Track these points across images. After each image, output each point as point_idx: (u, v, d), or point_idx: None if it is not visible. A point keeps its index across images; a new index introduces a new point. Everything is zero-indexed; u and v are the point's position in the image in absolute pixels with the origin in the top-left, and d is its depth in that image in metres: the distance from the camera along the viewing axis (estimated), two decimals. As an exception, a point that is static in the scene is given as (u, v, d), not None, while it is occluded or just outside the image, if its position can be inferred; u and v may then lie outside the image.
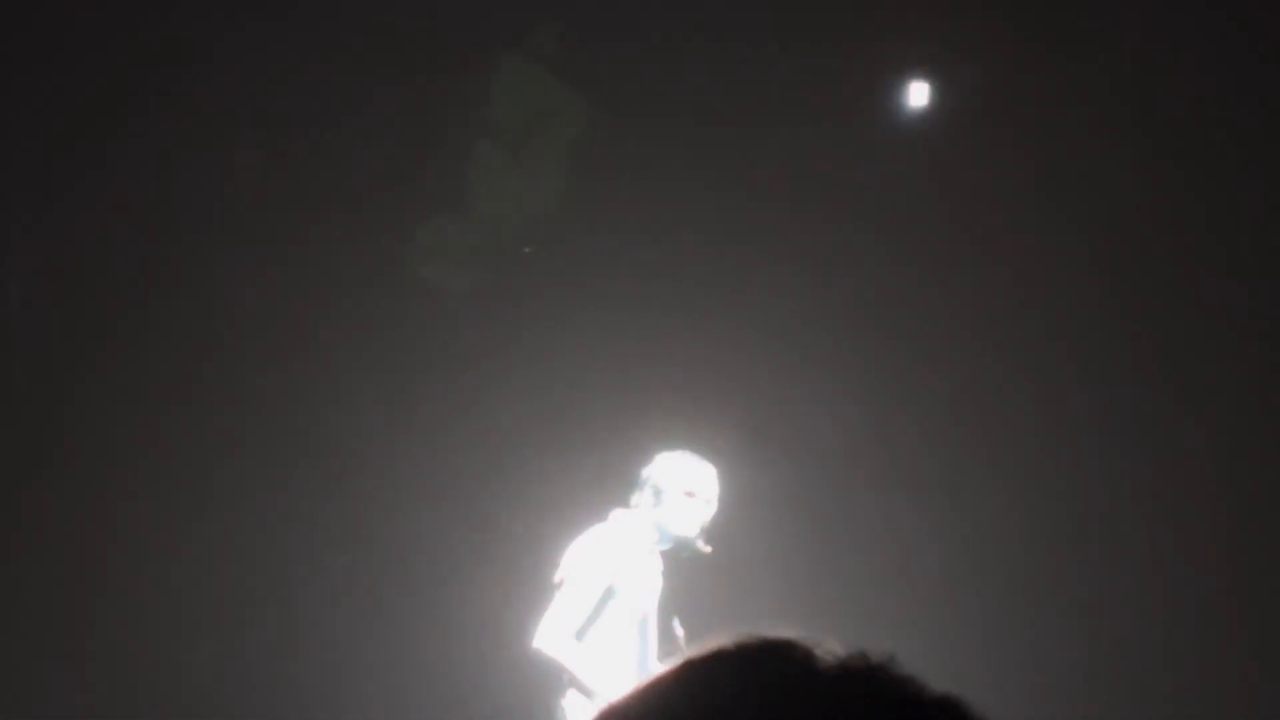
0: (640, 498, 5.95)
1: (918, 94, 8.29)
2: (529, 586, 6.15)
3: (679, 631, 5.83)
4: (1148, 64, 7.91)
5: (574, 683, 5.64)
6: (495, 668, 6.32)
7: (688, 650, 0.93)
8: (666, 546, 5.95)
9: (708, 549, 5.94)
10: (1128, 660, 7.54)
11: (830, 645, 0.91)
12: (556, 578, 5.82)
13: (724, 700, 0.87)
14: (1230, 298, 7.97)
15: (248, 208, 7.68)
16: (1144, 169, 7.91)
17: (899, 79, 8.28)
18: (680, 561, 5.97)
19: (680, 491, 5.89)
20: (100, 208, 7.61)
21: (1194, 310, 7.96)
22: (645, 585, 5.84)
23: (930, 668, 0.93)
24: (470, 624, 7.27)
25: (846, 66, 7.94)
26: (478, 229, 7.85)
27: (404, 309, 7.85)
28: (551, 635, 5.65)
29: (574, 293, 7.71)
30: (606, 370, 7.69)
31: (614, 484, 6.17)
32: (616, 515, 5.96)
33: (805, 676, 0.88)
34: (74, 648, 7.44)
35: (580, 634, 5.70)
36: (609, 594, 5.77)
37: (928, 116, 8.24)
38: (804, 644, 0.91)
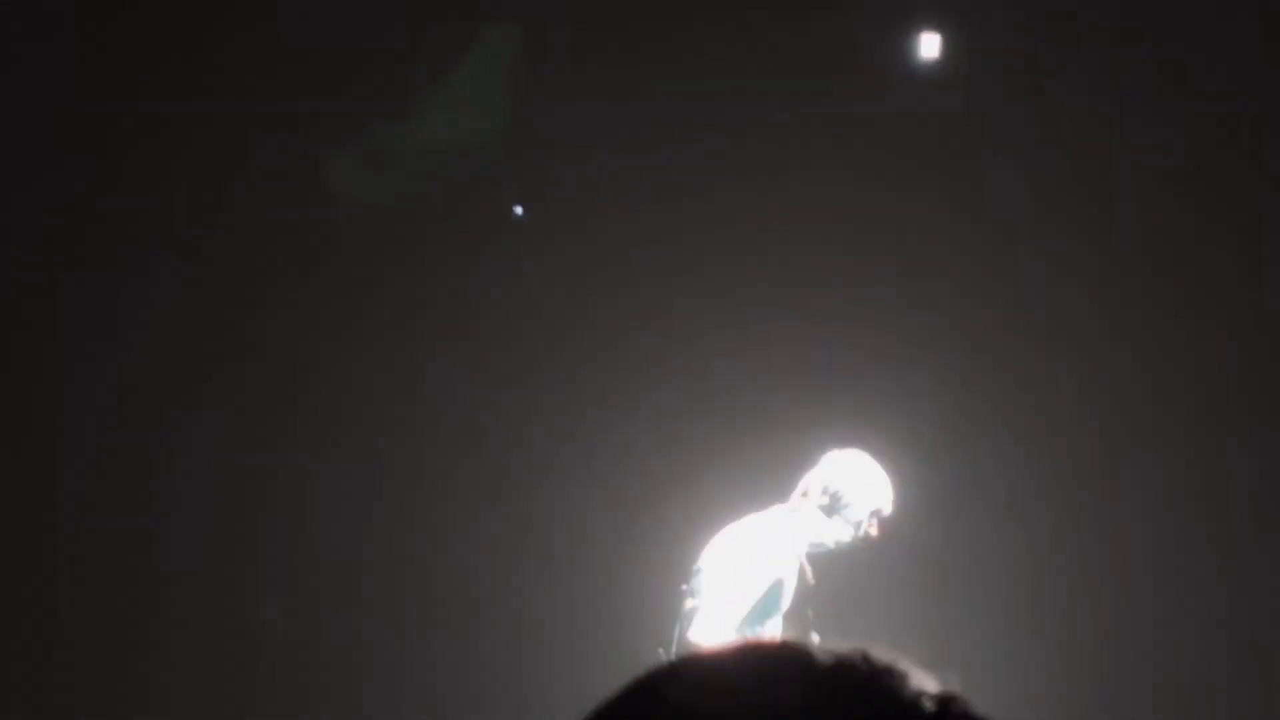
0: (812, 501, 5.72)
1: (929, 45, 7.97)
2: (665, 579, 5.98)
3: (815, 638, 5.60)
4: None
5: None
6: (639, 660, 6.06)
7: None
8: (822, 551, 5.74)
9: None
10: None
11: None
12: (706, 568, 5.61)
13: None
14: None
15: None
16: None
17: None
18: (821, 562, 5.76)
19: (867, 509, 5.70)
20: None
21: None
22: (796, 588, 5.65)
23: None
24: (609, 616, 7.11)
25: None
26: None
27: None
28: (714, 630, 5.43)
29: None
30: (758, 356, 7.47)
31: (753, 475, 5.97)
32: (777, 512, 5.73)
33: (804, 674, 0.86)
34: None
35: (737, 631, 5.50)
36: (771, 594, 5.57)
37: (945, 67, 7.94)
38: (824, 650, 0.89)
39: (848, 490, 5.68)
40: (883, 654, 0.88)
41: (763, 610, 5.56)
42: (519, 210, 6.98)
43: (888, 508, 5.72)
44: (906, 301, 7.53)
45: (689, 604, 5.60)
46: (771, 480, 5.91)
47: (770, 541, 5.61)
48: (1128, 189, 7.62)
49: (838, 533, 5.67)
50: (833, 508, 5.68)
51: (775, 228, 7.53)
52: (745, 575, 5.54)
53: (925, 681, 0.87)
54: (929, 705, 0.86)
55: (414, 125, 7.58)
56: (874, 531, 5.69)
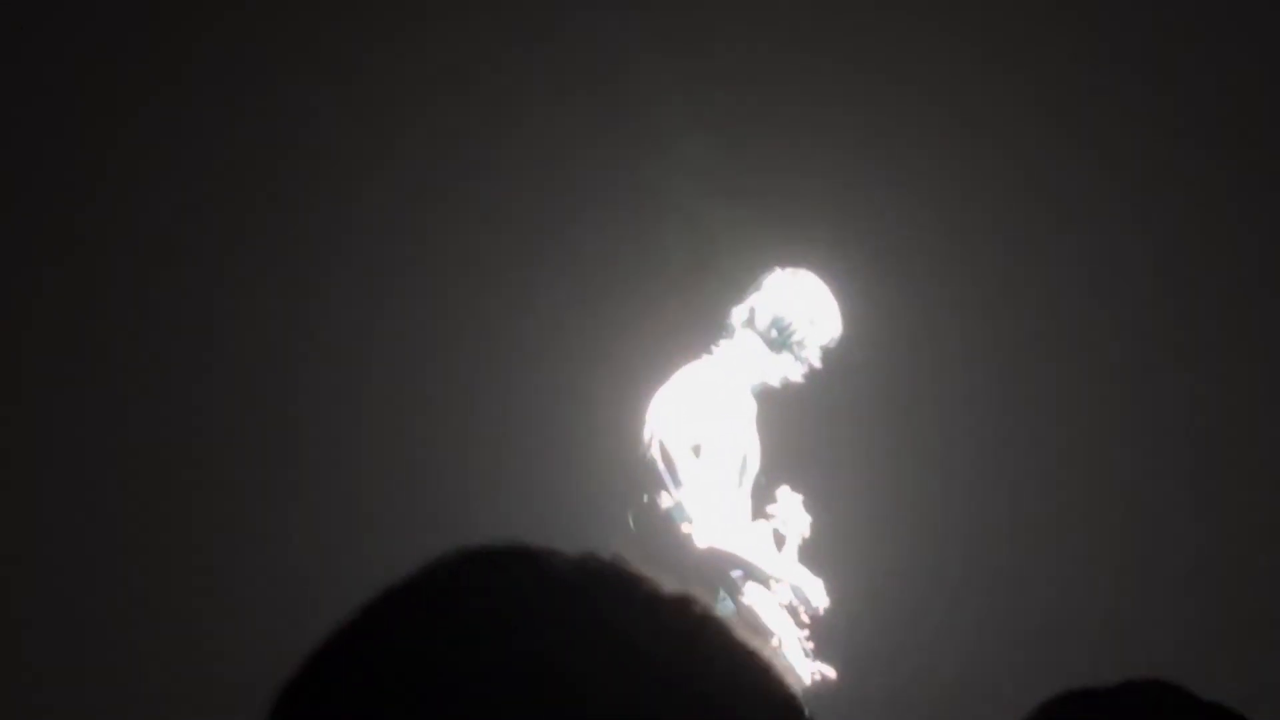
0: (756, 331, 5.16)
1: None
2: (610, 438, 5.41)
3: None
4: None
5: (752, 572, 5.00)
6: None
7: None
8: (766, 389, 5.19)
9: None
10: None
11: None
12: (664, 439, 5.06)
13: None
14: None
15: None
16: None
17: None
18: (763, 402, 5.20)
19: (818, 341, 5.14)
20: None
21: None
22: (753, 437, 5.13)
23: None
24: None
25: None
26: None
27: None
28: (721, 528, 4.97)
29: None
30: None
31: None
32: (722, 352, 5.16)
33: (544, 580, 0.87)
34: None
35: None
36: (745, 459, 5.05)
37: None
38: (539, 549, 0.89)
39: (797, 319, 5.15)
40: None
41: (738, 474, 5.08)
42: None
43: (835, 337, 5.19)
44: (858, 109, 6.89)
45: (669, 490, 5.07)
46: (712, 309, 5.34)
47: (728, 398, 5.08)
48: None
49: (785, 369, 5.14)
50: (780, 340, 5.14)
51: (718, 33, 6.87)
52: (719, 450, 5.04)
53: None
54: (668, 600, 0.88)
55: None
56: (815, 363, 5.18)
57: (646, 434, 5.10)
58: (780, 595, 5.00)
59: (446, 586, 0.88)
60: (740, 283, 5.29)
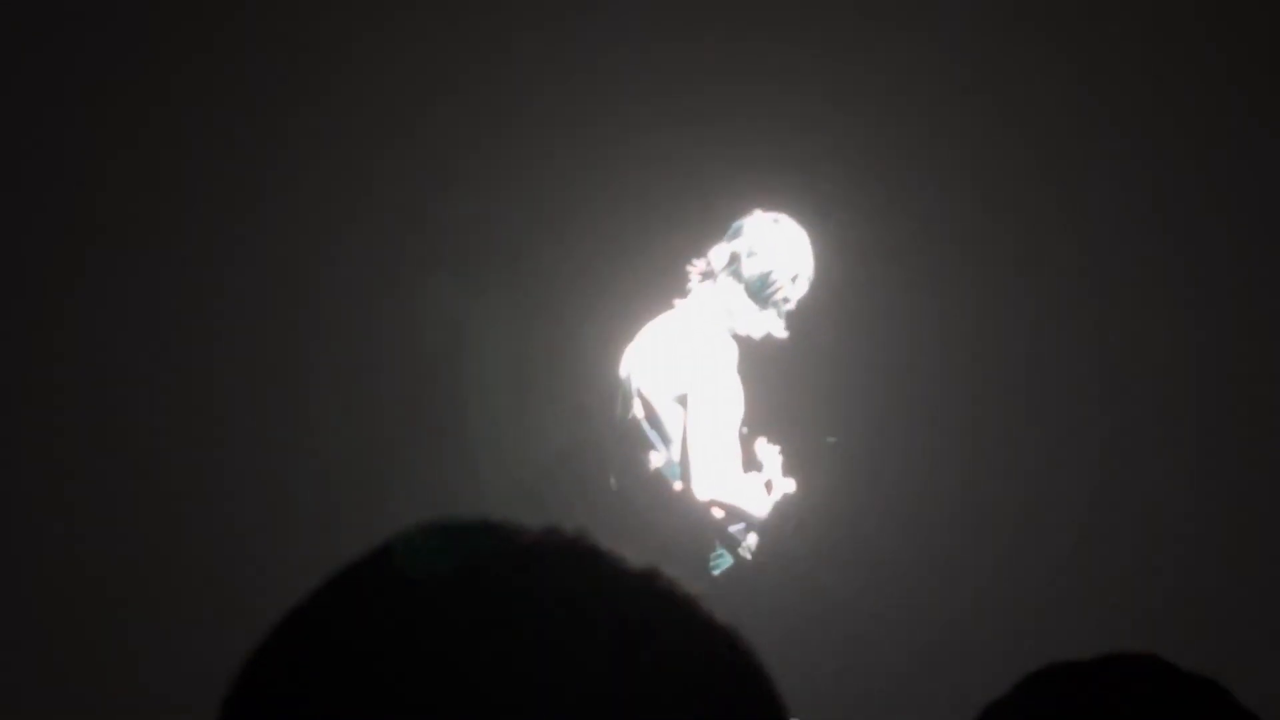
0: (733, 278, 4.92)
1: None
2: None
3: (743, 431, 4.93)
4: None
5: (754, 524, 4.85)
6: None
7: None
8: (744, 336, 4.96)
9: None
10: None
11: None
12: (646, 392, 4.84)
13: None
14: None
15: None
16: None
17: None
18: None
19: (788, 275, 4.90)
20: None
21: None
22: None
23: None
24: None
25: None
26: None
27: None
28: (719, 479, 4.78)
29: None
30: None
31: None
32: (698, 299, 4.94)
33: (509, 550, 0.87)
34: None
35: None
36: (733, 407, 4.84)
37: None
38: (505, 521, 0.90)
39: (779, 269, 4.91)
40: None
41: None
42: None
43: (807, 269, 4.97)
44: (842, 41, 6.63)
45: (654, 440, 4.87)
46: (687, 249, 5.08)
47: (709, 344, 4.86)
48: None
49: (766, 321, 4.91)
50: (761, 290, 4.90)
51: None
52: (706, 400, 4.82)
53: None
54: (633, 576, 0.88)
55: None
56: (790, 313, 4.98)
57: (625, 389, 4.89)
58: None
59: (400, 563, 0.87)
60: (716, 225, 5.07)
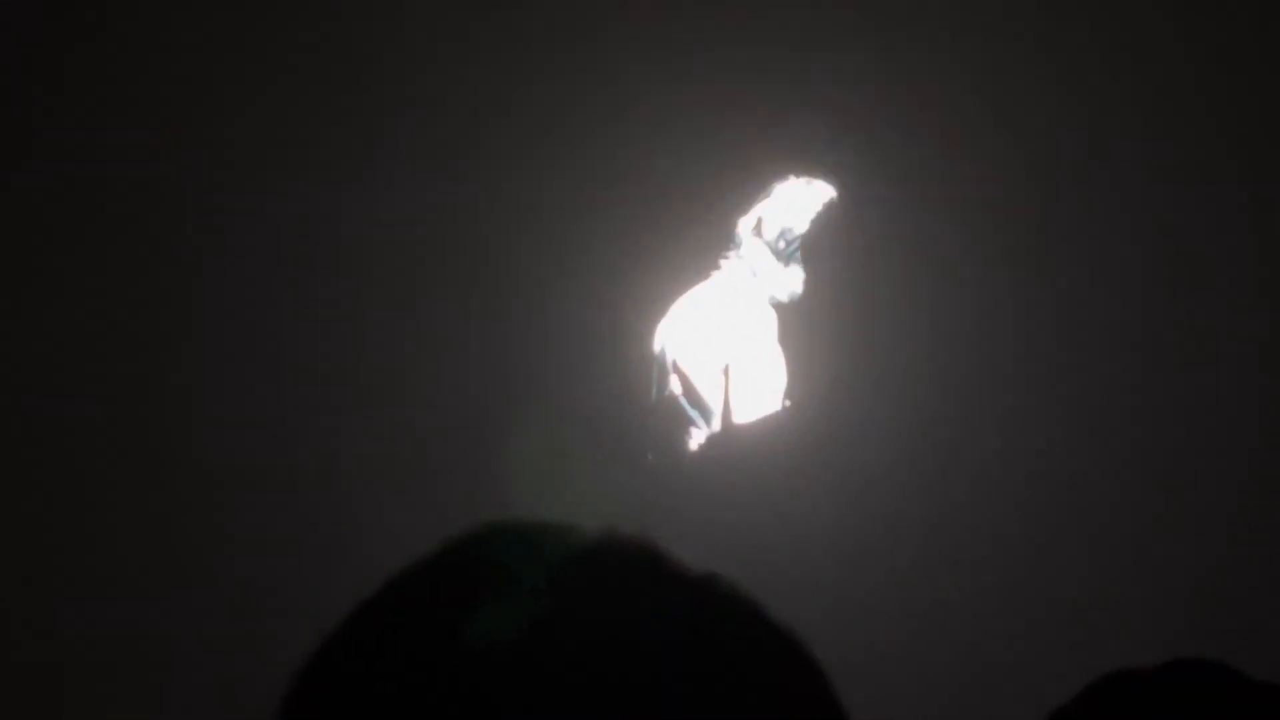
0: (757, 244, 4.89)
1: None
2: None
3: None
4: None
5: None
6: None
7: None
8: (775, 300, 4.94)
9: None
10: None
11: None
12: (685, 367, 4.80)
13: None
14: None
15: None
16: None
17: None
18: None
19: (809, 228, 4.91)
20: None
21: None
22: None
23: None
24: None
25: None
26: None
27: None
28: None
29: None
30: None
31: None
32: (729, 271, 4.91)
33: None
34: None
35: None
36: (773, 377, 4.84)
37: None
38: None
39: (799, 222, 4.93)
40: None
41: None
42: None
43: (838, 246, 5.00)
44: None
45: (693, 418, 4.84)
46: (719, 220, 5.02)
47: (745, 314, 4.84)
48: None
49: (793, 283, 4.85)
50: (789, 252, 4.87)
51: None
52: (747, 372, 4.79)
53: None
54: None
55: None
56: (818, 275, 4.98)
57: (660, 364, 4.84)
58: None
59: (458, 564, 0.88)
60: (750, 193, 5.04)
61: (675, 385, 4.85)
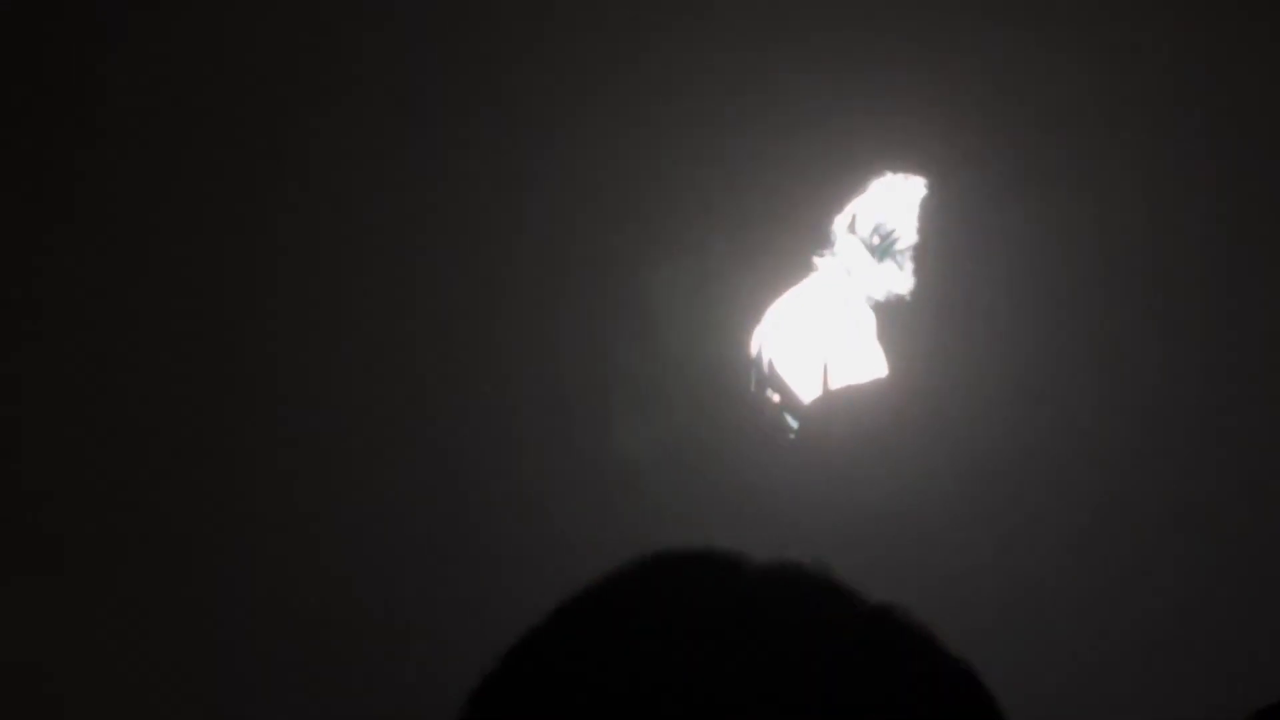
0: (851, 241, 4.87)
1: None
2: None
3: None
4: None
5: None
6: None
7: None
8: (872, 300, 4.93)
9: None
10: None
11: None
12: (778, 367, 4.77)
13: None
14: None
15: None
16: None
17: None
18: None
19: (903, 225, 4.88)
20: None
21: None
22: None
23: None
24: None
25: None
26: None
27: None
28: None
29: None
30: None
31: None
32: (826, 269, 4.88)
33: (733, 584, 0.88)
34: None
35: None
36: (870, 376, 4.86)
37: None
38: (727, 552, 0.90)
39: (902, 226, 4.88)
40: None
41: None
42: None
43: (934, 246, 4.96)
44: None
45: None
46: (804, 212, 4.98)
47: (841, 314, 4.83)
48: None
49: (890, 282, 4.81)
50: (884, 249, 4.84)
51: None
52: (844, 373, 4.79)
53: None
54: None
55: None
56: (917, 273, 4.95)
57: (757, 367, 4.82)
58: None
59: (631, 594, 0.88)
60: (844, 189, 5.01)
61: (772, 387, 4.83)
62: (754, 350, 4.85)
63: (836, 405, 4.75)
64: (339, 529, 6.54)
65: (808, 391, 4.78)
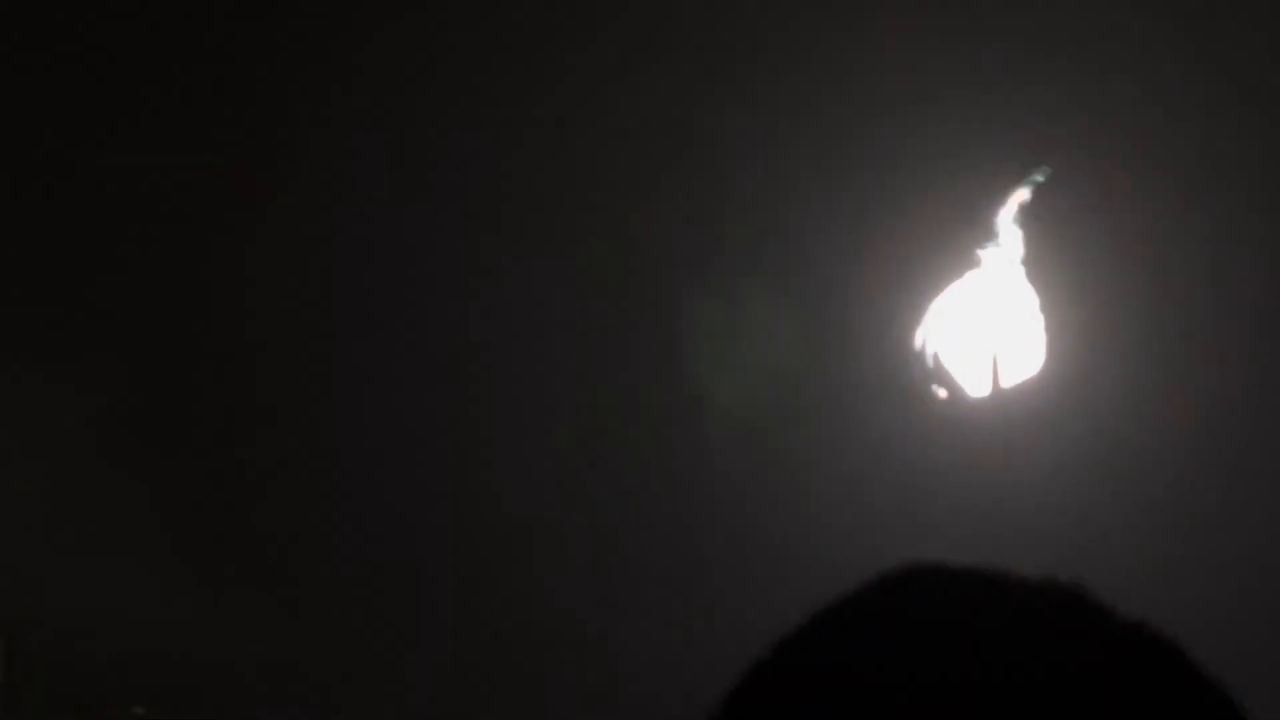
0: (1010, 231, 4.86)
1: None
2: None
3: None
4: None
5: None
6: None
7: None
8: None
9: None
10: None
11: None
12: (945, 358, 4.78)
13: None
14: None
15: None
16: None
17: None
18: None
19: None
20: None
21: None
22: None
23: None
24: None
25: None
26: None
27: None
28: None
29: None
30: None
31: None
32: (984, 267, 4.87)
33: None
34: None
35: None
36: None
37: None
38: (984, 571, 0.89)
39: (1064, 220, 4.86)
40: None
41: None
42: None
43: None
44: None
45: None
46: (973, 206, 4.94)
47: (1008, 303, 4.82)
48: None
49: (1050, 272, 4.88)
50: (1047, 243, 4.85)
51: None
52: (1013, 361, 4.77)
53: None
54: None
55: None
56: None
57: (922, 359, 4.80)
58: None
59: (883, 609, 0.88)
60: (1006, 185, 4.98)
61: (940, 378, 4.81)
62: (919, 342, 4.84)
63: (1005, 399, 4.73)
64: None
65: (976, 386, 4.77)
